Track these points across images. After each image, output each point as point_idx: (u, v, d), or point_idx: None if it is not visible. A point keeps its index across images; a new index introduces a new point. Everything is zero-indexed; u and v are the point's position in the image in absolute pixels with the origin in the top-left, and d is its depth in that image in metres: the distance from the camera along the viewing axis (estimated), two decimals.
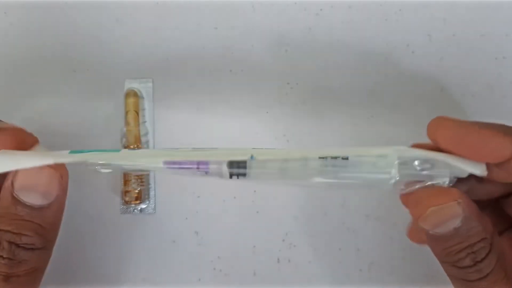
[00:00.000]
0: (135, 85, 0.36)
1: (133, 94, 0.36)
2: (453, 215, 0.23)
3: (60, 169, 0.25)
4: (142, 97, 0.36)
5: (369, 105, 0.37)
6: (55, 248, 0.35)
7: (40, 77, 0.37)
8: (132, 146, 0.35)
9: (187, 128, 0.37)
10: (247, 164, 0.24)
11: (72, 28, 0.38)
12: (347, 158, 0.23)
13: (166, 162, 0.24)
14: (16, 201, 0.24)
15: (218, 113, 0.37)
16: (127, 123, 0.35)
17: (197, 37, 0.37)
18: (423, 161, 0.24)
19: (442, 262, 0.24)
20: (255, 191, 0.36)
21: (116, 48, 0.37)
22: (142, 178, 0.35)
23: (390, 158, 0.24)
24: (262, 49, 0.37)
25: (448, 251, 0.23)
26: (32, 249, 0.25)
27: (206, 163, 0.24)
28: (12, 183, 0.24)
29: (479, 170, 0.23)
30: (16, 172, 0.24)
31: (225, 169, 0.24)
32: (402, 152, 0.24)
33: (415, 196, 0.24)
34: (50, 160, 0.24)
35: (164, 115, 0.37)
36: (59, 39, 0.37)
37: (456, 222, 0.23)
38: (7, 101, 0.37)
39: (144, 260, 0.36)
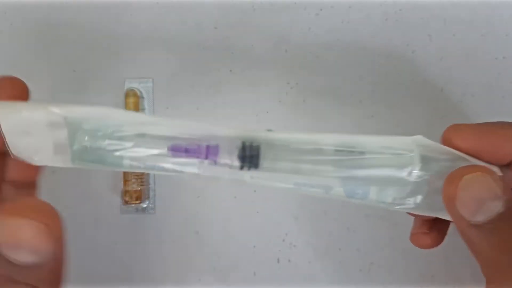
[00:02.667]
0: (135, 85, 0.36)
1: (133, 94, 0.36)
2: (491, 191, 0.20)
3: (46, 218, 0.20)
4: (142, 97, 0.36)
5: (369, 105, 0.37)
6: None
7: (40, 77, 0.37)
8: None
9: None
10: (261, 153, 0.21)
11: (72, 28, 0.38)
12: (363, 152, 0.21)
13: (171, 148, 0.21)
14: (1, 257, 0.19)
15: (218, 113, 0.37)
16: None
17: (197, 37, 0.37)
18: (445, 156, 0.22)
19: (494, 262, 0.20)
20: (255, 191, 0.36)
21: (116, 48, 0.37)
22: (142, 177, 0.35)
23: (412, 155, 0.22)
24: (262, 49, 0.37)
25: (500, 247, 0.20)
26: None
27: (216, 148, 0.21)
28: None
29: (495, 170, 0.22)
30: None
31: (236, 161, 0.21)
32: (423, 149, 0.22)
33: (448, 177, 0.21)
34: (46, 110, 0.21)
35: (164, 115, 0.37)
36: (59, 39, 0.37)
37: (498, 206, 0.19)
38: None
39: (144, 260, 0.36)
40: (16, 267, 0.19)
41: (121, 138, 0.21)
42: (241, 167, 0.21)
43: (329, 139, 0.22)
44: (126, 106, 0.36)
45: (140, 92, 0.36)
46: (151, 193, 0.36)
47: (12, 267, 0.19)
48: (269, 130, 0.21)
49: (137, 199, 0.35)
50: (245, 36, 0.37)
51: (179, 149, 0.21)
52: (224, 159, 0.21)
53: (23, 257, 0.19)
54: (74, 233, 0.35)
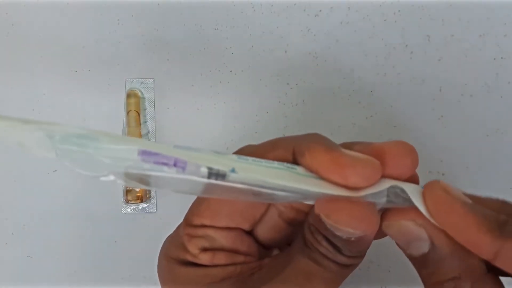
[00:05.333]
0: (136, 85, 0.36)
1: (134, 94, 0.36)
2: (415, 234, 0.21)
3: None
4: (143, 97, 0.36)
5: (369, 105, 0.37)
6: (55, 247, 0.36)
7: (41, 77, 0.37)
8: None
9: (187, 128, 0.37)
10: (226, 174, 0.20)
11: (73, 28, 0.38)
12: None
13: (141, 152, 0.20)
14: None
15: (218, 113, 0.37)
16: (128, 123, 0.36)
17: (197, 38, 0.38)
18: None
19: None
20: None
21: (117, 48, 0.37)
22: None
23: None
24: (262, 49, 0.37)
25: (426, 280, 0.21)
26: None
27: (184, 162, 0.20)
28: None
29: None
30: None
31: (204, 169, 0.20)
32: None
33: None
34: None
35: (165, 115, 0.37)
36: (60, 39, 0.38)
37: (424, 246, 0.20)
38: (7, 100, 0.37)
39: (145, 259, 0.36)
40: (340, 242, 0.20)
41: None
42: (209, 177, 0.21)
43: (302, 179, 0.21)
44: (127, 106, 0.36)
45: (141, 92, 0.36)
46: (152, 193, 0.36)
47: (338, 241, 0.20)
48: (239, 157, 0.21)
49: (138, 198, 0.35)
50: (245, 37, 0.37)
51: (148, 154, 0.20)
52: (191, 168, 0.20)
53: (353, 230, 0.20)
54: (74, 232, 0.36)
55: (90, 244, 0.36)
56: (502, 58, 0.37)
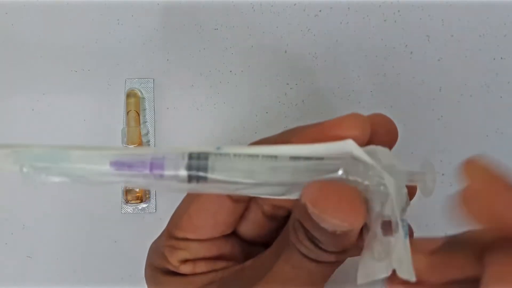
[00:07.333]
0: (135, 85, 0.36)
1: (134, 94, 0.36)
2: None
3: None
4: (143, 97, 0.36)
5: (369, 105, 0.37)
6: (55, 247, 0.36)
7: (41, 77, 0.37)
8: (133, 146, 0.35)
9: (187, 128, 0.37)
10: (209, 164, 0.19)
11: (73, 28, 0.38)
12: (322, 159, 0.20)
13: (113, 164, 0.19)
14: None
15: (218, 113, 0.37)
16: (127, 123, 0.36)
17: (197, 38, 0.38)
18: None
19: None
20: None
21: (117, 48, 0.37)
22: None
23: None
24: (261, 50, 0.37)
25: None
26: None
27: (161, 160, 0.19)
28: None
29: None
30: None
31: (183, 173, 0.19)
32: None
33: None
34: None
35: (165, 115, 0.37)
36: (60, 39, 0.38)
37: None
38: (8, 100, 0.37)
39: (144, 259, 0.36)
40: (324, 236, 0.19)
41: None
42: (189, 180, 0.20)
43: (285, 151, 0.20)
44: (127, 106, 0.36)
45: (141, 92, 0.36)
46: (152, 193, 0.36)
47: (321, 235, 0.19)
48: (218, 148, 0.20)
49: (138, 198, 0.35)
50: (245, 37, 0.37)
51: (121, 164, 0.19)
52: (170, 171, 0.19)
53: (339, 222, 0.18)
54: (74, 232, 0.36)
55: (90, 244, 0.36)
56: (502, 58, 0.37)
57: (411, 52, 0.37)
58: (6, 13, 0.38)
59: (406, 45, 0.37)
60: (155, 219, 0.36)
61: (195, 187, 0.20)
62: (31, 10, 0.38)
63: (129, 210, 0.35)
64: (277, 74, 0.37)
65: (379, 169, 0.19)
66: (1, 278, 0.35)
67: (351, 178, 0.19)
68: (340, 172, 0.19)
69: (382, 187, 0.19)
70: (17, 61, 0.37)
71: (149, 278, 0.26)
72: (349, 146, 0.19)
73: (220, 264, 0.24)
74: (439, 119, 0.36)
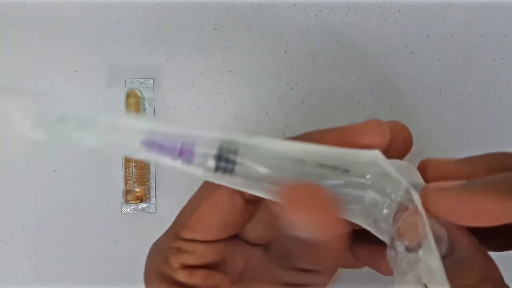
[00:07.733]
0: (135, 85, 0.36)
1: (134, 94, 0.36)
2: (437, 233, 0.18)
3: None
4: (143, 97, 0.36)
5: (369, 105, 0.37)
6: (55, 247, 0.36)
7: (41, 77, 0.37)
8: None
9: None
10: (237, 160, 0.19)
11: (73, 28, 0.38)
12: (348, 171, 0.19)
13: (145, 142, 0.19)
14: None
15: (218, 113, 0.37)
16: None
17: (197, 38, 0.38)
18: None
19: None
20: None
21: (117, 48, 0.37)
22: (143, 177, 0.35)
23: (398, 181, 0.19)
24: (261, 50, 0.37)
25: None
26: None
27: (191, 146, 0.19)
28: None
29: None
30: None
31: (211, 163, 0.19)
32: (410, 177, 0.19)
33: None
34: None
35: (165, 115, 0.37)
36: (60, 39, 0.38)
37: (441, 249, 0.18)
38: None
39: (144, 259, 0.36)
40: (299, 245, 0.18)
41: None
42: (216, 170, 0.20)
43: (313, 151, 0.20)
44: (127, 106, 0.36)
45: (141, 92, 0.36)
46: (152, 193, 0.36)
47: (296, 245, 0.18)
48: (249, 137, 0.20)
49: (138, 198, 0.35)
50: (245, 37, 0.37)
51: (152, 143, 0.20)
52: (199, 159, 0.20)
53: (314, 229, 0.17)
54: (74, 232, 0.36)
55: (89, 244, 0.36)
56: (502, 58, 0.37)
57: (411, 52, 0.37)
58: (6, 13, 0.38)
59: (406, 45, 0.37)
60: (155, 219, 0.36)
61: (219, 178, 0.20)
62: (31, 10, 0.38)
63: (129, 210, 0.35)
64: (277, 74, 0.37)
65: (406, 184, 0.19)
66: (1, 278, 0.35)
67: (378, 196, 0.19)
68: (367, 193, 0.19)
69: (410, 203, 0.19)
70: (17, 61, 0.37)
71: (151, 284, 0.25)
72: (375, 156, 0.19)
73: (216, 276, 0.23)
74: (439, 119, 0.36)
